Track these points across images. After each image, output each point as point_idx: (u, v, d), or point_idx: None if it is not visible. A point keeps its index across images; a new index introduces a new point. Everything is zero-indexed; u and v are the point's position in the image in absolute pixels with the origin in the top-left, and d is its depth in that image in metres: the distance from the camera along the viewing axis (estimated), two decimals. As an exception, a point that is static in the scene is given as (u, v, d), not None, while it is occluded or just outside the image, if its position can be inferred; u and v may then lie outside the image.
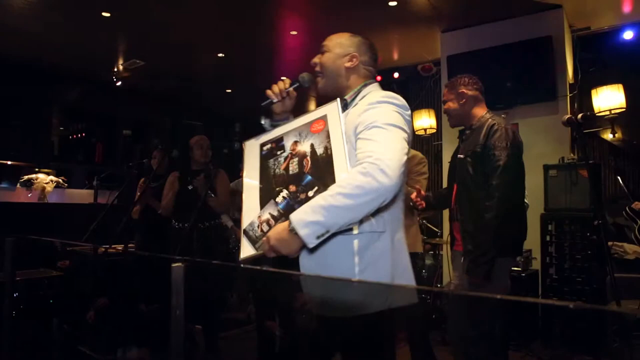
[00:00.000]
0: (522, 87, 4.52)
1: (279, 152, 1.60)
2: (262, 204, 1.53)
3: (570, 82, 4.66)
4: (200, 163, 3.42)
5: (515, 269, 3.79)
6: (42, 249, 3.98)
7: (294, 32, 5.25)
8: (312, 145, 1.50)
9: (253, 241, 1.50)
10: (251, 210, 1.55)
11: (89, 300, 3.48)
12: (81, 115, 7.55)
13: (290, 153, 1.55)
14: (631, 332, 3.14)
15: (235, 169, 5.08)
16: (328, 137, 1.47)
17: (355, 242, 1.40)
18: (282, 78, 1.69)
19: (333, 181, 1.37)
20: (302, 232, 1.27)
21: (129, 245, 3.97)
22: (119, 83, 6.54)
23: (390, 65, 6.18)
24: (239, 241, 4.53)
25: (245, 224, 1.55)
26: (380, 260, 1.41)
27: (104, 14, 4.68)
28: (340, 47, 1.65)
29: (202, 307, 3.36)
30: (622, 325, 3.18)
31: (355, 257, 1.40)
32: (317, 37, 6.11)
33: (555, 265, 3.84)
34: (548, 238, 3.89)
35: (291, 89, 1.68)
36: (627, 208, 3.34)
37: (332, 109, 1.52)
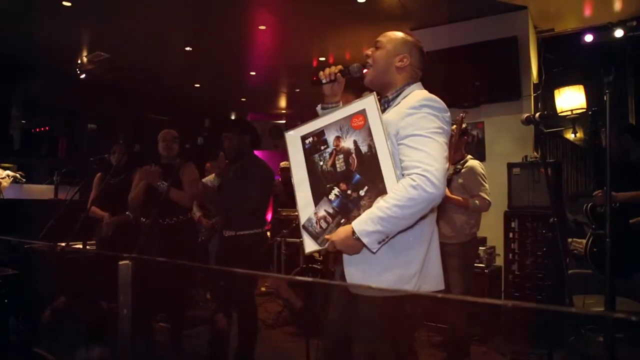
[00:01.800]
0: (488, 86, 4.61)
1: (322, 147, 1.66)
2: (316, 200, 1.63)
3: (535, 82, 4.76)
4: (165, 157, 3.36)
5: (479, 265, 3.86)
6: (-3, 246, 3.84)
7: (263, 27, 5.20)
8: (355, 142, 1.60)
9: (314, 237, 1.61)
10: (306, 206, 1.64)
11: (47, 300, 3.37)
12: (45, 109, 7.32)
13: (335, 149, 1.63)
14: (581, 328, 3.25)
15: (202, 163, 5.00)
16: (370, 134, 1.57)
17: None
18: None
19: (381, 181, 1.51)
20: (366, 240, 1.45)
21: (90, 242, 3.87)
22: (82, 75, 6.35)
23: (360, 62, 6.19)
24: (207, 231, 4.49)
25: (303, 219, 1.64)
26: (413, 250, 1.55)
27: (64, 3, 4.52)
28: (393, 45, 1.72)
29: (165, 304, 3.30)
30: (575, 320, 3.28)
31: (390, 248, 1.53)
32: (286, 32, 6.14)
33: (518, 262, 3.92)
34: (511, 235, 3.97)
35: (339, 74, 1.75)
36: (586, 207, 3.43)
37: (370, 103, 1.60)
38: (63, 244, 3.11)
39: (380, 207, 1.45)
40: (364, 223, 1.46)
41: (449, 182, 3.22)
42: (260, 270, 3.47)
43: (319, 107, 1.84)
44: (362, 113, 1.60)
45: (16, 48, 5.82)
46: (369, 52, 1.75)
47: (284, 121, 9.18)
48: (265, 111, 9.58)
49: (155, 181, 3.13)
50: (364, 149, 1.57)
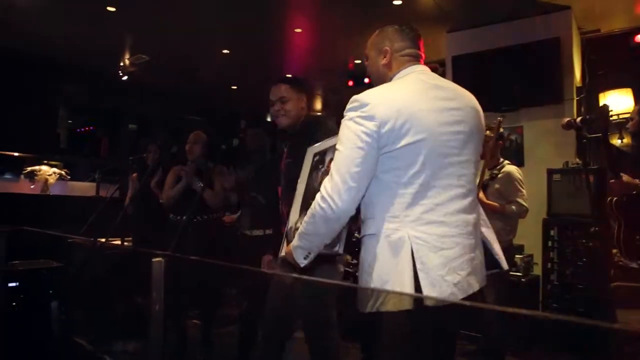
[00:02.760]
0: (528, 89, 4.46)
1: (320, 166, 1.77)
2: (301, 212, 1.72)
3: (578, 85, 4.59)
4: (194, 158, 3.40)
5: (516, 273, 3.75)
6: (42, 240, 4.01)
7: (299, 30, 5.23)
8: None
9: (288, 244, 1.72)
10: (294, 214, 1.77)
11: (87, 292, 3.49)
12: (89, 110, 7.62)
13: (326, 169, 1.69)
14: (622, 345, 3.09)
15: (237, 165, 5.07)
16: None
17: (362, 245, 1.52)
18: None
19: None
20: (295, 254, 1.54)
21: (128, 238, 3.98)
22: (124, 77, 6.57)
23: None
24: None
25: (287, 225, 1.79)
26: (375, 261, 1.42)
27: (109, 8, 4.69)
28: (374, 48, 1.66)
29: (197, 302, 3.35)
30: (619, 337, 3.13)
31: (363, 258, 1.50)
32: (321, 34, 6.14)
33: (557, 272, 3.79)
34: (550, 243, 3.84)
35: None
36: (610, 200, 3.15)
37: None
38: (102, 240, 3.23)
39: (303, 223, 1.53)
40: (295, 239, 1.56)
41: (485, 187, 3.16)
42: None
43: None
44: None
45: (63, 52, 6.08)
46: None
47: (319, 123, 9.24)
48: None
49: (190, 180, 3.19)
50: None
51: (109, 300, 3.48)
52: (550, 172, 3.94)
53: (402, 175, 1.40)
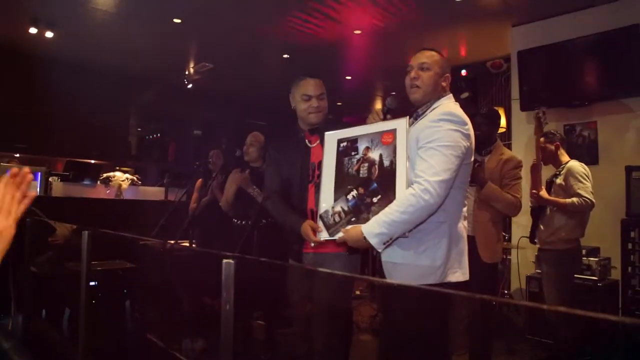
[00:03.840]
0: (601, 82, 4.19)
1: (352, 153, 1.89)
2: (336, 196, 1.85)
3: (660, 75, 4.25)
4: (250, 159, 3.40)
5: (591, 277, 3.52)
6: (118, 241, 4.25)
7: (358, 32, 5.22)
8: (380, 156, 1.81)
9: (327, 227, 1.84)
10: (326, 199, 1.88)
11: (158, 291, 3.65)
12: (156, 117, 8.02)
13: (362, 157, 1.85)
14: None
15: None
16: (394, 152, 1.76)
17: (426, 227, 1.73)
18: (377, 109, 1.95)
19: (393, 194, 1.70)
20: (373, 241, 1.66)
21: (194, 241, 4.13)
22: (189, 85, 6.85)
23: (457, 63, 5.99)
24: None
25: (321, 209, 1.89)
26: (439, 244, 1.74)
27: (175, 20, 4.92)
28: (439, 67, 1.86)
29: (262, 303, 3.40)
30: None
31: (419, 240, 1.75)
32: (381, 36, 6.09)
33: (639, 276, 3.53)
34: (630, 246, 3.58)
35: (387, 116, 1.91)
36: None
37: (402, 125, 1.79)
38: (172, 242, 3.37)
39: (385, 212, 1.66)
40: (372, 226, 1.67)
41: (550, 185, 3.14)
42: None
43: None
44: (393, 132, 1.80)
45: (132, 63, 6.44)
46: (415, 74, 1.87)
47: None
48: (361, 114, 9.60)
49: (247, 186, 3.20)
50: (386, 163, 1.78)
51: (178, 300, 3.62)
52: (629, 170, 3.67)
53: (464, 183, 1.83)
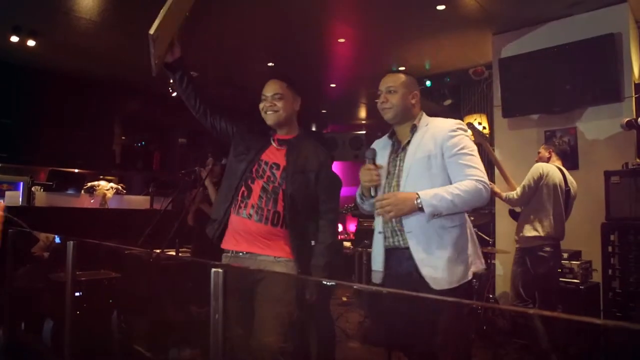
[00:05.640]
0: (582, 89, 4.29)
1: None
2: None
3: (637, 81, 4.37)
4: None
5: (573, 280, 3.59)
6: (103, 251, 4.20)
7: (342, 40, 5.28)
8: None
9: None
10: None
11: (144, 301, 3.62)
12: (141, 126, 7.96)
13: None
14: None
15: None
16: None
17: (453, 232, 1.92)
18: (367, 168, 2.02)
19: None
20: (427, 208, 1.82)
21: (182, 249, 4.11)
22: (174, 94, 6.82)
23: (440, 70, 6.08)
24: None
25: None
26: (466, 244, 1.97)
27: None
28: (405, 87, 2.04)
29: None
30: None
31: (455, 244, 1.92)
32: (366, 44, 6.14)
33: (619, 279, 3.60)
34: (610, 249, 3.65)
35: (371, 167, 2.01)
36: None
37: None
38: (158, 251, 3.36)
39: (447, 190, 1.84)
40: (430, 196, 1.83)
41: None
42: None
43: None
44: None
45: (116, 71, 6.40)
46: (382, 98, 2.04)
47: (364, 132, 9.19)
48: (346, 122, 9.67)
49: (198, 205, 3.24)
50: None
51: (165, 309, 3.60)
52: (608, 175, 3.75)
53: None
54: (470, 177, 1.88)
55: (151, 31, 1.88)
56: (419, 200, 1.82)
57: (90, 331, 3.25)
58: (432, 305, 1.83)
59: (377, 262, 2.06)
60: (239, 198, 2.10)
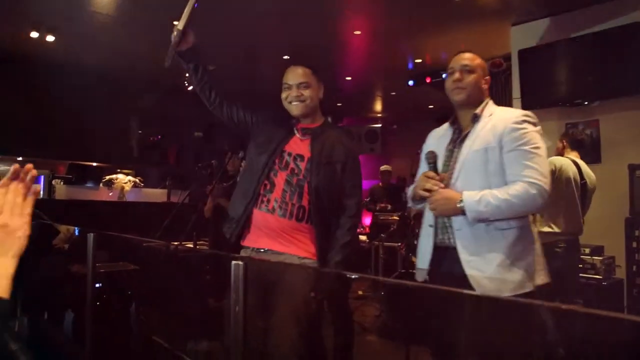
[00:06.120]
0: (604, 80, 4.18)
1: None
2: None
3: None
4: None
5: (595, 276, 3.53)
6: (121, 243, 4.25)
7: (358, 32, 5.23)
8: None
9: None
10: None
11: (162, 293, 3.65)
12: (157, 119, 8.02)
13: None
14: None
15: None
16: None
17: (508, 235, 1.71)
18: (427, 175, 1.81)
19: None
20: (471, 213, 1.66)
21: (200, 242, 4.14)
22: (190, 88, 6.85)
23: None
24: None
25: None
26: (527, 249, 1.73)
27: (175, 22, 4.91)
28: (481, 69, 1.89)
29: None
30: None
31: (510, 248, 1.70)
32: (381, 36, 6.08)
33: (644, 274, 3.53)
34: (635, 244, 3.58)
35: (436, 175, 1.80)
36: None
37: None
38: (176, 243, 3.38)
39: (494, 194, 1.65)
40: (474, 200, 1.66)
41: None
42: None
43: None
44: None
45: (132, 66, 6.45)
46: (458, 76, 1.86)
47: (379, 125, 9.14)
48: (361, 115, 9.62)
49: (216, 199, 3.23)
50: None
51: (183, 301, 3.63)
52: (633, 168, 3.67)
53: None
54: (525, 179, 1.66)
55: (180, 26, 1.82)
56: (461, 204, 1.67)
57: (109, 322, 3.30)
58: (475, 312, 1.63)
59: (424, 259, 1.86)
60: (261, 192, 1.97)
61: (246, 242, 2.02)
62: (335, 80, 7.00)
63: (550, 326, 2.76)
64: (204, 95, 2.23)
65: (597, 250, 3.74)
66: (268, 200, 1.95)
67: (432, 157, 1.80)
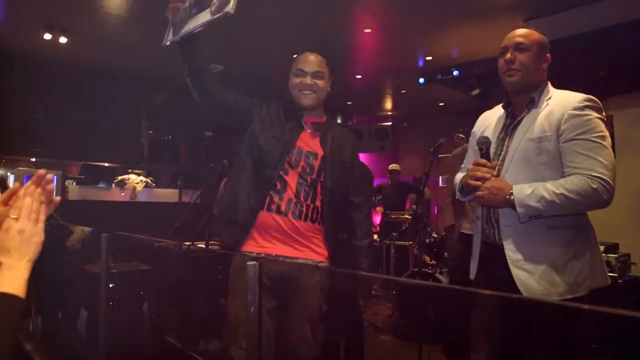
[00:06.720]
0: (617, 76, 4.13)
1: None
2: None
3: (676, 67, 4.19)
4: None
5: (611, 274, 3.48)
6: (134, 244, 4.28)
7: (368, 30, 5.21)
8: None
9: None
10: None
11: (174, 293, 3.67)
12: (167, 119, 8.07)
13: None
14: None
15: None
16: None
17: (562, 234, 1.55)
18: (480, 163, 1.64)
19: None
20: (520, 210, 1.49)
21: (211, 242, 4.15)
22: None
23: (469, 59, 5.94)
24: None
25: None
26: (584, 249, 1.56)
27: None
28: (539, 47, 1.67)
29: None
30: None
31: (564, 248, 1.54)
32: (391, 34, 6.06)
33: (660, 272, 3.48)
34: (650, 241, 3.53)
35: (488, 163, 1.63)
36: None
37: None
38: (188, 243, 3.39)
39: (548, 189, 1.47)
40: (525, 194, 1.49)
41: None
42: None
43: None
44: None
45: (143, 66, 6.48)
46: (510, 56, 1.65)
47: (389, 123, 9.10)
48: (371, 113, 9.58)
49: None
50: None
51: (195, 301, 3.64)
52: (648, 165, 3.63)
53: None
54: (585, 172, 1.46)
55: (231, 10, 1.57)
56: (512, 197, 1.50)
57: (122, 322, 3.32)
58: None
59: (475, 255, 1.73)
60: (271, 193, 1.79)
61: (249, 248, 1.79)
62: (345, 79, 6.98)
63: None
64: (199, 94, 2.06)
65: (612, 248, 3.69)
66: (280, 201, 1.77)
67: (484, 143, 1.63)
